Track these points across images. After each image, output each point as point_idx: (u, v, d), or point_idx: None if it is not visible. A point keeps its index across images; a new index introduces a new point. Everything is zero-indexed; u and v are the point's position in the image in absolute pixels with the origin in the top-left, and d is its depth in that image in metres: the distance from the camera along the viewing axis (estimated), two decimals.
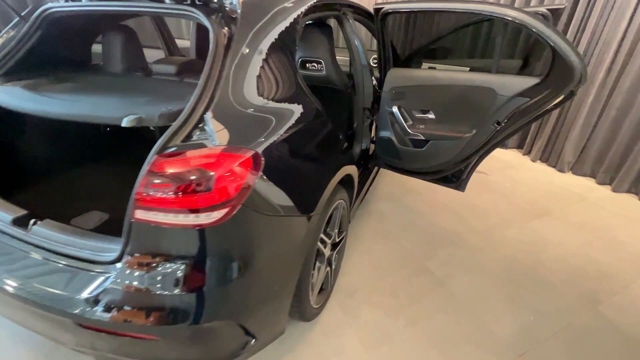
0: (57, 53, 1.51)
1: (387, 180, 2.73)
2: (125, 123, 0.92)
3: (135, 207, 0.80)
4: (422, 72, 1.79)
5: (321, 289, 1.50)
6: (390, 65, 1.93)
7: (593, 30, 2.75)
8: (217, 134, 0.85)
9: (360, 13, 2.21)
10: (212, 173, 0.78)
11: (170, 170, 0.78)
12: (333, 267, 1.57)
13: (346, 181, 1.66)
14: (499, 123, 1.61)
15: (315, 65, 2.17)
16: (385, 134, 2.01)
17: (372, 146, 2.33)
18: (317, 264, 1.39)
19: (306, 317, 1.36)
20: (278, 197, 0.95)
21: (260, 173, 0.88)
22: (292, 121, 1.08)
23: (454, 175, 1.97)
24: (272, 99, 1.07)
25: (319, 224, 1.20)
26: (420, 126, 1.84)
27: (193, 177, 0.78)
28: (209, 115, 0.87)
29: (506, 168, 3.12)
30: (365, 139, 2.29)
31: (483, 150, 1.76)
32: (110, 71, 1.56)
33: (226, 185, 0.81)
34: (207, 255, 0.83)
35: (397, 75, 1.86)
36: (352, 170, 1.57)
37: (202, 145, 0.84)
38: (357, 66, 2.03)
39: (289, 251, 1.02)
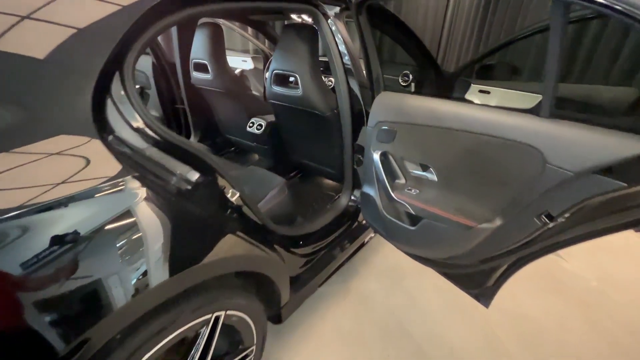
0: None
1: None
2: None
3: None
4: (423, 101, 1.06)
5: None
6: (380, 87, 1.23)
7: None
8: None
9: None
10: None
11: None
12: None
13: (254, 275, 1.04)
14: (550, 217, 0.79)
15: (292, 80, 1.60)
16: (368, 189, 1.31)
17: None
18: None
19: None
20: None
21: None
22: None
23: (471, 278, 1.16)
24: None
25: None
26: (412, 191, 1.10)
27: None
28: None
29: (602, 250, 2.01)
30: (356, 188, 1.62)
31: (521, 253, 0.94)
32: None
33: None
34: None
35: (387, 104, 1.16)
36: (256, 257, 0.95)
37: None
38: (340, 84, 1.39)
39: None
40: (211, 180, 0.86)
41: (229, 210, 0.91)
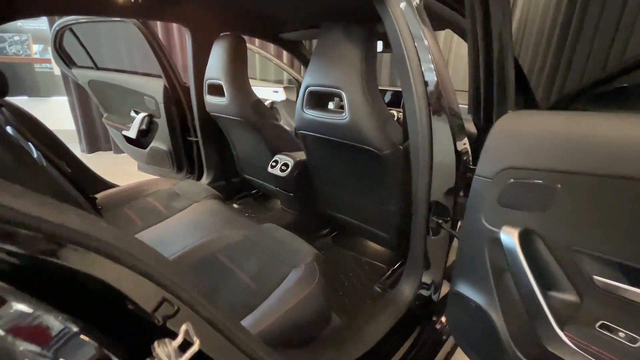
0: None
1: None
2: None
3: None
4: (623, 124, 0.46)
5: None
6: (508, 100, 0.66)
7: None
8: None
9: None
10: None
11: None
12: None
13: None
14: None
15: (335, 102, 1.10)
16: (470, 291, 0.69)
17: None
18: None
19: None
20: None
21: None
22: None
23: None
24: None
25: None
26: (618, 336, 0.47)
27: None
28: None
29: None
30: (428, 269, 1.02)
31: None
32: None
33: None
34: None
35: (530, 132, 0.58)
36: None
37: None
38: (417, 102, 0.85)
39: None
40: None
41: None
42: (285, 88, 2.66)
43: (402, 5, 0.80)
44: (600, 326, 0.47)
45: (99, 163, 3.41)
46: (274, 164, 1.47)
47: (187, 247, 1.05)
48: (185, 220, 1.24)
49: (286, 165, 1.43)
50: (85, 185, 1.36)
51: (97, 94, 2.04)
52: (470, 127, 0.90)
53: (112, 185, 1.54)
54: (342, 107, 0.98)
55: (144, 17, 1.49)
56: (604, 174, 0.47)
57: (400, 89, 2.05)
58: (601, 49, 2.58)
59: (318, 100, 1.08)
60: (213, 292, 0.86)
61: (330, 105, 1.11)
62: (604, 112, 1.07)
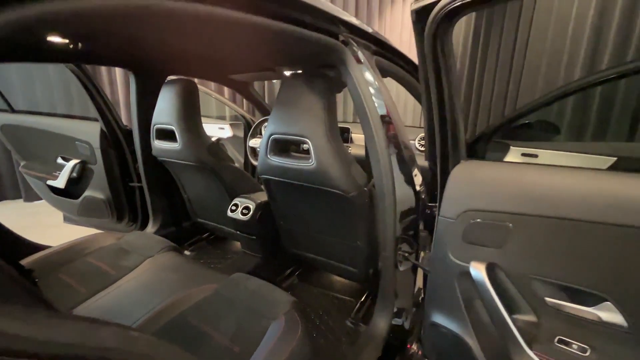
0: None
1: None
2: None
3: None
4: (590, 179, 0.59)
5: None
6: (459, 151, 0.77)
7: None
8: None
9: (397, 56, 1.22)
10: None
11: None
12: None
13: None
14: None
15: (301, 149, 1.15)
16: (446, 320, 0.77)
17: None
18: None
19: None
20: None
21: None
22: None
23: None
24: None
25: None
26: (573, 348, 0.57)
27: None
28: None
29: None
30: (397, 299, 1.08)
31: None
32: None
33: None
34: None
35: (484, 180, 0.69)
36: None
37: None
38: (379, 150, 0.94)
39: None
40: None
41: None
42: (231, 125, 2.64)
43: (360, 66, 0.91)
44: (558, 341, 0.58)
45: (7, 215, 2.88)
46: (233, 207, 1.44)
47: (148, 313, 0.95)
48: (141, 281, 1.12)
49: (247, 208, 1.41)
50: (6, 253, 1.15)
51: (13, 140, 1.77)
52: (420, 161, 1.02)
53: (39, 247, 1.32)
54: (307, 154, 1.04)
55: (84, 62, 1.39)
56: (545, 215, 0.59)
57: (345, 126, 2.23)
58: (500, 94, 3.06)
59: (283, 146, 1.12)
60: None
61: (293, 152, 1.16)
62: (533, 158, 1.27)
